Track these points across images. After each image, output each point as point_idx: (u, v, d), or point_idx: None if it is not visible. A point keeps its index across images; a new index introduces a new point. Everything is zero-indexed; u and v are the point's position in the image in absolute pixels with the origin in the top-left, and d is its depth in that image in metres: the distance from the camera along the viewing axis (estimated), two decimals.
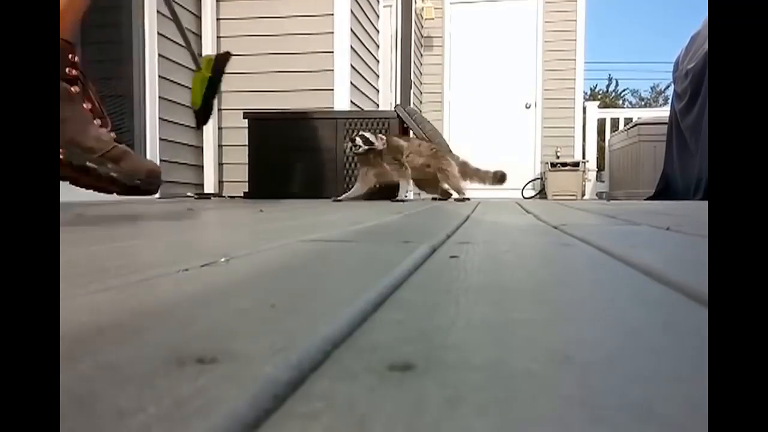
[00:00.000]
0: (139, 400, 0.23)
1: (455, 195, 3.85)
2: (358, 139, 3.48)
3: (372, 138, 3.48)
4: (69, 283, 0.49)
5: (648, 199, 5.29)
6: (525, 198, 4.36)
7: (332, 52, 4.26)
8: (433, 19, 7.64)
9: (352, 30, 4.39)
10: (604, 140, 7.80)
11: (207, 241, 1.03)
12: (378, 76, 5.44)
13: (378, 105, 5.38)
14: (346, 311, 0.38)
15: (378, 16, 5.40)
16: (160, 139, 3.82)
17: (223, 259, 0.63)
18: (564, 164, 6.84)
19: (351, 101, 4.40)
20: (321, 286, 0.51)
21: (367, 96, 4.98)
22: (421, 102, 7.69)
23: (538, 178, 7.43)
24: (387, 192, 3.61)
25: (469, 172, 3.95)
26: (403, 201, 3.45)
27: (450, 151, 4.05)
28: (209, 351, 0.29)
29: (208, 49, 4.27)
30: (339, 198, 3.62)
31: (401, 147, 3.61)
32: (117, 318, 0.37)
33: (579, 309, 0.43)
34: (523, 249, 0.86)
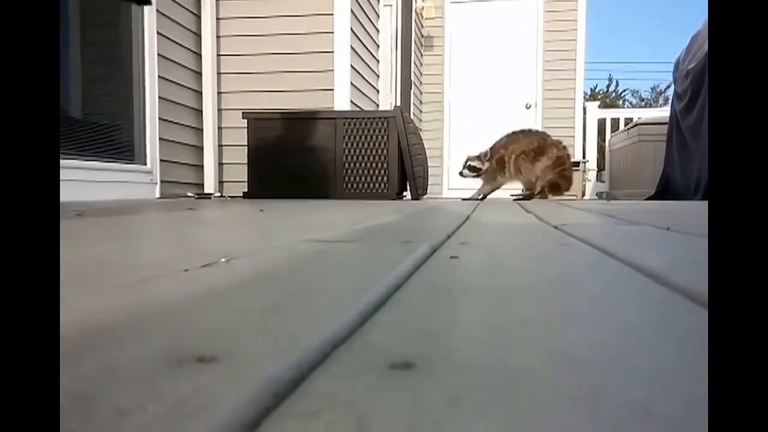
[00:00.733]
0: (140, 399, 0.23)
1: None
2: (466, 171, 4.19)
3: (478, 164, 4.16)
4: (69, 283, 0.49)
5: (648, 199, 5.28)
6: (515, 198, 4.41)
7: (332, 52, 4.26)
8: (433, 18, 7.63)
9: (352, 30, 4.38)
10: (604, 140, 7.80)
11: (207, 241, 1.03)
12: (378, 76, 5.44)
13: (378, 105, 5.37)
14: (347, 311, 0.38)
15: (378, 16, 5.39)
16: (160, 138, 3.82)
17: (223, 260, 0.63)
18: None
19: (351, 101, 4.40)
20: (321, 286, 0.51)
21: (367, 96, 4.98)
22: (421, 102, 7.69)
23: None
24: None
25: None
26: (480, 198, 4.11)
27: (551, 144, 4.23)
28: (209, 350, 0.29)
29: (208, 49, 4.27)
30: (466, 198, 4.16)
31: (504, 157, 4.14)
32: (117, 318, 0.38)
33: (579, 309, 0.43)
34: (523, 249, 0.86)
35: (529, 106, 7.73)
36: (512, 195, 4.39)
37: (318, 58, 4.30)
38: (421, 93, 7.84)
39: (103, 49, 3.63)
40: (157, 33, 3.76)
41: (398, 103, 5.84)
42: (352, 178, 3.92)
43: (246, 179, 4.06)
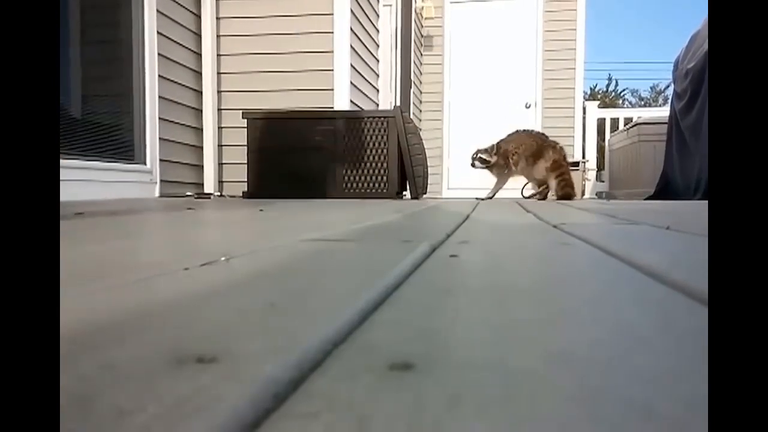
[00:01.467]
0: (139, 399, 0.23)
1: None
2: (477, 162, 4.32)
3: (486, 156, 4.31)
4: (68, 282, 0.49)
5: (648, 198, 5.28)
6: (524, 197, 4.43)
7: (332, 51, 4.26)
8: (433, 18, 7.63)
9: (351, 29, 4.38)
10: (603, 140, 7.79)
11: (207, 240, 1.03)
12: (378, 76, 5.43)
13: (378, 105, 5.37)
14: (346, 311, 0.38)
15: (378, 16, 5.39)
16: (160, 138, 3.81)
17: (223, 259, 0.63)
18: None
19: (351, 101, 4.40)
20: (321, 285, 0.51)
21: (366, 95, 4.98)
22: (421, 102, 7.68)
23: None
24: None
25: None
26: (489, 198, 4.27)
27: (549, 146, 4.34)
28: (209, 350, 0.29)
29: (208, 48, 4.27)
30: (482, 198, 4.24)
31: (507, 152, 4.29)
32: (117, 317, 0.37)
33: (579, 308, 0.43)
34: (522, 248, 0.86)
35: (529, 106, 7.73)
36: (524, 195, 4.51)
37: (318, 57, 4.29)
38: (421, 93, 7.84)
39: (103, 48, 3.63)
40: (158, 33, 3.75)
41: (398, 103, 5.84)
42: (351, 178, 3.92)
43: (246, 179, 4.06)
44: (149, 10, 3.68)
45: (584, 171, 6.93)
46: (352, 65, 4.41)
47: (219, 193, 4.41)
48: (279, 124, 4.03)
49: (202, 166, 4.40)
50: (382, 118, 3.93)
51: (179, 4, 3.98)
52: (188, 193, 4.12)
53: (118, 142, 3.55)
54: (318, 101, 4.26)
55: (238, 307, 0.41)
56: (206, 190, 4.37)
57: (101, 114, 3.52)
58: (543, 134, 4.61)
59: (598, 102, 8.71)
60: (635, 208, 2.38)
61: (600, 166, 7.97)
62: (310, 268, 0.63)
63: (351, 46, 4.40)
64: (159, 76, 3.79)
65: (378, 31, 5.43)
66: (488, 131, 7.67)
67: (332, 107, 4.24)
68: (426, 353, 0.30)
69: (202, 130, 4.34)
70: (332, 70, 4.29)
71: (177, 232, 1.14)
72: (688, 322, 0.38)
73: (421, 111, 7.68)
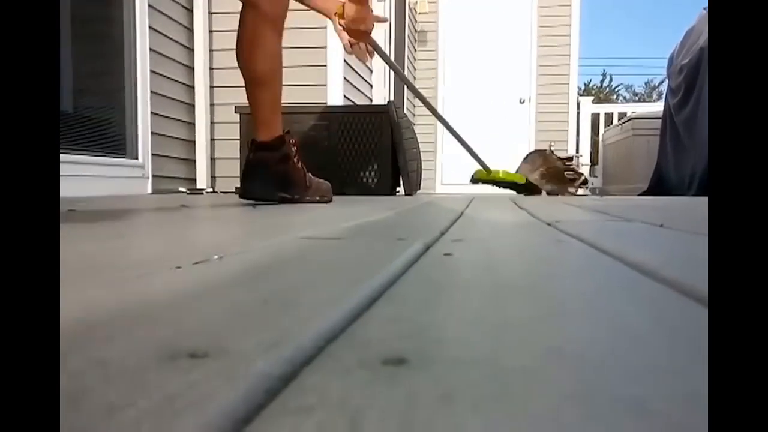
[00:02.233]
0: (130, 395, 0.23)
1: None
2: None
3: None
4: (61, 280, 0.48)
5: (641, 194, 5.30)
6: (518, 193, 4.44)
7: (325, 47, 4.24)
8: (427, 13, 7.62)
9: None
10: (597, 135, 7.82)
11: (200, 238, 1.03)
12: (371, 71, 5.42)
13: (371, 100, 5.36)
14: (339, 307, 0.38)
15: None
16: (152, 133, 3.80)
17: (216, 257, 0.63)
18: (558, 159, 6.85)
19: (344, 96, 4.39)
20: (314, 282, 0.51)
21: (360, 91, 4.97)
22: (414, 97, 7.68)
23: None
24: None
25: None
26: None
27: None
28: (201, 346, 0.29)
29: (200, 43, 4.25)
30: None
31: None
32: (108, 315, 0.37)
33: (573, 305, 0.43)
34: (516, 246, 0.87)
35: (523, 101, 7.74)
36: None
37: (311, 53, 4.28)
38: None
39: (95, 43, 3.61)
40: (149, 27, 3.73)
41: (392, 98, 5.83)
42: (344, 174, 3.91)
43: (238, 174, 4.04)
44: (141, 5, 3.66)
45: (578, 166, 6.95)
46: (345, 61, 4.40)
47: (212, 189, 4.40)
48: None
49: (195, 161, 4.39)
50: (375, 113, 3.92)
51: None
52: (181, 189, 4.11)
53: (109, 137, 3.53)
54: (311, 97, 4.25)
55: (230, 304, 0.41)
56: (199, 186, 4.35)
57: (93, 108, 3.49)
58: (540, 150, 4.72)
59: (592, 97, 8.74)
60: (628, 205, 2.39)
61: (594, 162, 8.00)
62: (304, 265, 0.63)
63: None
64: (151, 70, 3.77)
65: None
66: (482, 126, 7.70)
67: (325, 102, 4.23)
68: (419, 349, 0.30)
69: (194, 124, 4.32)
70: (325, 65, 4.28)
71: (169, 229, 1.14)
72: (682, 318, 0.38)
73: (415, 106, 7.68)
